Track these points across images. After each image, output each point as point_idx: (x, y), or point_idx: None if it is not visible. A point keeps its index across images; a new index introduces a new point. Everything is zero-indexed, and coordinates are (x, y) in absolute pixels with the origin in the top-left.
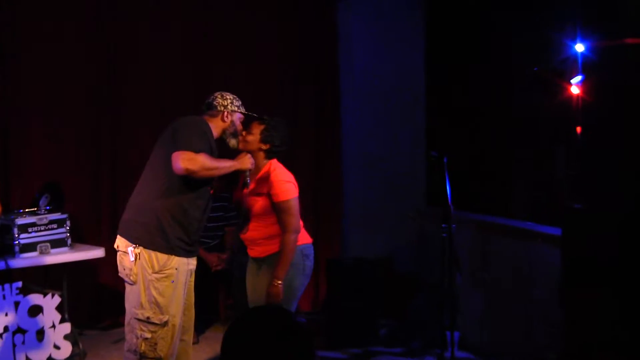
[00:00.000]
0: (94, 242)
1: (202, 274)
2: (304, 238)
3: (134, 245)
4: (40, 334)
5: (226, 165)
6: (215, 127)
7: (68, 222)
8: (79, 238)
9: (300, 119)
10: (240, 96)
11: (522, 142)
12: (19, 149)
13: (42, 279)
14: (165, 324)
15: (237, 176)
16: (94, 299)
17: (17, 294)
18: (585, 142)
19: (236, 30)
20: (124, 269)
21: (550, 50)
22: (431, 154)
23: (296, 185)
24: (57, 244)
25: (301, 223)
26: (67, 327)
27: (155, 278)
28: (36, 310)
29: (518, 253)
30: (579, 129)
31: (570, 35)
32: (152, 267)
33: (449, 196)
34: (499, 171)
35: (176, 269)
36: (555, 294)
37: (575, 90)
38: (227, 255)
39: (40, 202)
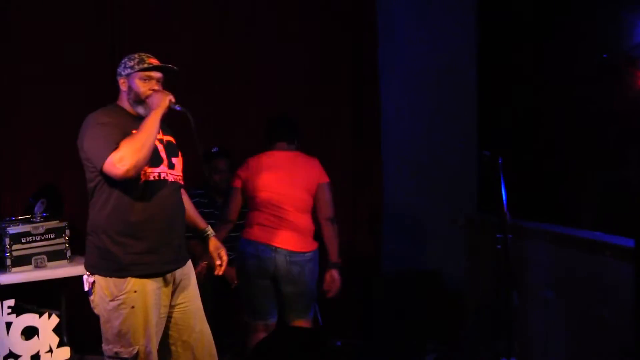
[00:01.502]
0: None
1: (221, 292)
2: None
3: (88, 274)
4: (36, 359)
5: (149, 125)
6: (123, 101)
7: (67, 231)
8: (79, 250)
9: (337, 119)
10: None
11: (588, 140)
12: (10, 146)
13: (38, 296)
14: (136, 356)
15: None
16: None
17: (8, 313)
18: None
19: (260, 31)
20: (91, 303)
21: (622, 34)
22: (483, 153)
23: (239, 173)
24: (54, 256)
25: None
26: (66, 352)
27: (113, 307)
28: (31, 332)
29: (584, 268)
30: None
31: None
32: (109, 294)
33: (504, 202)
34: (561, 173)
35: (135, 291)
36: (628, 316)
37: None
38: None
39: (36, 208)
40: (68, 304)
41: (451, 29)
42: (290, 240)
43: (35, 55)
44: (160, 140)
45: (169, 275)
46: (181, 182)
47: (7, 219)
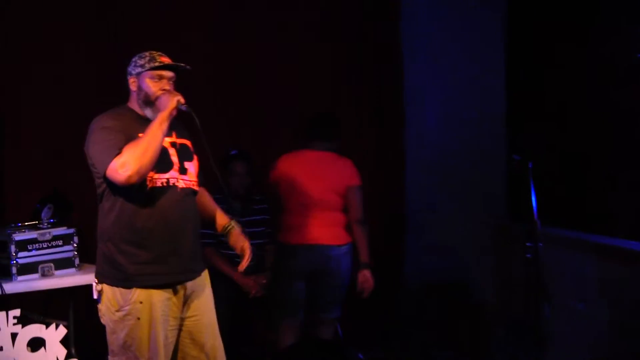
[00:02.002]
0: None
1: (238, 302)
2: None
3: (96, 282)
4: None
5: (154, 128)
6: (133, 102)
7: (76, 239)
8: (88, 257)
9: (358, 121)
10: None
11: (623, 144)
12: (16, 148)
13: (45, 306)
14: None
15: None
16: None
17: (14, 324)
18: None
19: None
20: (99, 312)
21: None
22: (513, 157)
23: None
24: (62, 264)
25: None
26: None
27: (119, 317)
28: (37, 343)
29: (621, 279)
30: None
31: None
32: (115, 304)
33: (534, 209)
34: (595, 179)
35: (140, 302)
36: None
37: None
38: (266, 279)
39: (43, 214)
40: (76, 315)
41: (480, 31)
42: (324, 235)
43: (38, 55)
44: (173, 144)
45: (179, 286)
46: (195, 187)
47: (13, 225)
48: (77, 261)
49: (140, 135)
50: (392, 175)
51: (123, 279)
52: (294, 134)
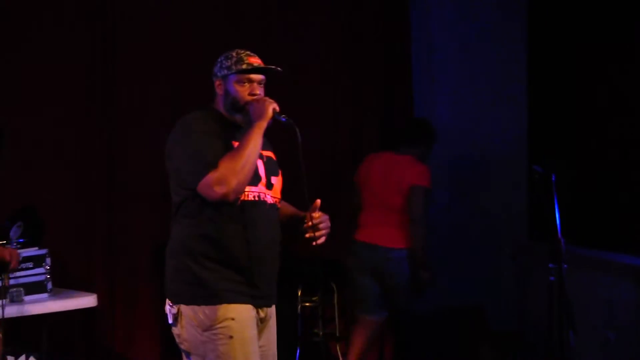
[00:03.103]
0: (84, 287)
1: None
2: None
3: (171, 304)
4: None
5: (252, 140)
6: (220, 106)
7: (48, 260)
8: (63, 281)
9: (364, 129)
10: None
11: None
12: None
13: (14, 335)
14: None
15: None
16: None
17: None
18: None
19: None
20: (177, 338)
21: None
22: (534, 169)
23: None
24: (33, 288)
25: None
26: None
27: (208, 338)
28: None
29: None
30: None
31: None
32: (201, 325)
33: (558, 226)
34: (628, 193)
35: (232, 319)
36: None
37: None
38: None
39: (11, 233)
40: (50, 345)
41: (501, 38)
42: (384, 236)
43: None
44: (260, 156)
45: (261, 311)
46: (279, 204)
47: None
48: (49, 285)
49: (234, 143)
50: None
51: (208, 296)
52: None
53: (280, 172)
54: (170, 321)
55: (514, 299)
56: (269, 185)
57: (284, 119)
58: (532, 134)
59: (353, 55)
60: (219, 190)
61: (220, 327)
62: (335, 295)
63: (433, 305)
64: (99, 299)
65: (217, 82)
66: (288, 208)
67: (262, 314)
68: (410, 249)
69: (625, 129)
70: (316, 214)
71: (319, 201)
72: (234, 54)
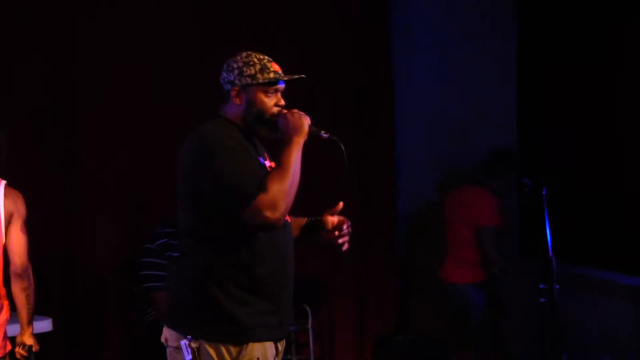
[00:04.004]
0: (38, 310)
1: None
2: None
3: (189, 339)
4: None
5: (294, 158)
6: (235, 116)
7: None
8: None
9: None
10: None
11: None
12: None
13: None
14: None
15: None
16: None
17: None
18: None
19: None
20: None
21: None
22: (524, 182)
23: None
24: None
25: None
26: None
27: None
28: None
29: None
30: None
31: None
32: None
33: (549, 244)
34: (622, 209)
35: (258, 359)
36: None
37: None
38: None
39: None
40: None
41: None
42: (450, 271)
43: None
44: (272, 169)
45: (279, 344)
46: (289, 220)
47: None
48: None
49: (261, 159)
50: (381, 202)
51: (237, 333)
52: None
53: None
54: (187, 358)
55: (503, 320)
56: None
57: (326, 135)
58: (523, 145)
59: (331, 67)
60: (272, 215)
61: None
62: (310, 320)
63: (415, 332)
64: (55, 324)
65: (234, 91)
66: (295, 219)
67: (280, 348)
68: (484, 282)
69: (624, 136)
70: (341, 218)
71: (342, 203)
72: (256, 59)
